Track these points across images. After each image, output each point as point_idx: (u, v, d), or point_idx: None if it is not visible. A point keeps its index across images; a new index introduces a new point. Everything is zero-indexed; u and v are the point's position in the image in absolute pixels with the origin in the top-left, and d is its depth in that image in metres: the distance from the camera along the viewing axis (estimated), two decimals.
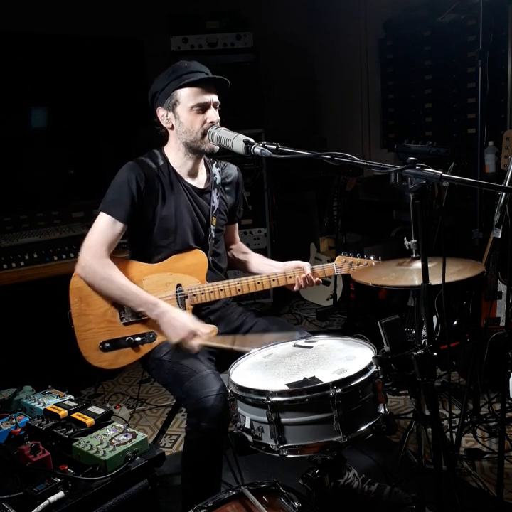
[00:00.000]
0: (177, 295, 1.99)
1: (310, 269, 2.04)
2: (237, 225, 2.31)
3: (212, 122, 1.93)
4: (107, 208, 1.93)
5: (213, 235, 2.08)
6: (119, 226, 1.93)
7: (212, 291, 2.00)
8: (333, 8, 4.50)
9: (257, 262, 2.22)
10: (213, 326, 2.03)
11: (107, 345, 1.96)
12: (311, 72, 5.06)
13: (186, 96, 1.93)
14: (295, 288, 2.05)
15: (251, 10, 4.25)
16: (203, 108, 1.93)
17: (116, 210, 1.92)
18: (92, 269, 1.90)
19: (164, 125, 2.01)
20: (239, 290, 2.01)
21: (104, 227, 1.92)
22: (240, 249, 2.32)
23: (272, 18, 4.59)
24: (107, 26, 3.95)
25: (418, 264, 1.47)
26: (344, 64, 4.69)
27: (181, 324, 1.88)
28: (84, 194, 3.38)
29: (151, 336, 1.98)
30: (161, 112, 2.00)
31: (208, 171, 2.14)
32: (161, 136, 2.06)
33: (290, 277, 2.03)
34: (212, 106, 1.95)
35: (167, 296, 1.98)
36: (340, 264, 2.06)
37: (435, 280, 1.42)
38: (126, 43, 4.12)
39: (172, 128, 2.00)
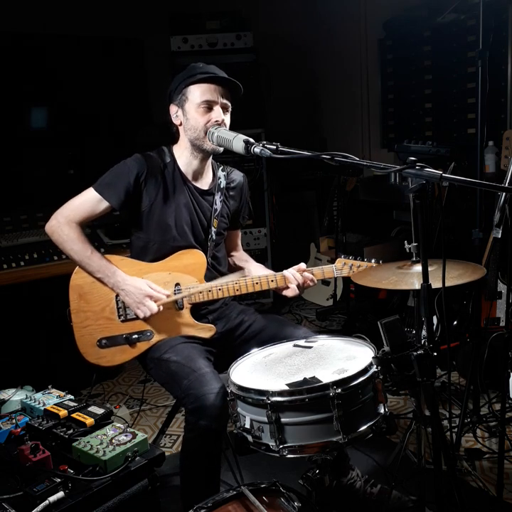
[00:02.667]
0: (175, 294, 2.00)
1: (305, 266, 2.03)
2: (239, 232, 2.32)
3: (216, 122, 1.93)
4: (98, 188, 1.97)
5: (214, 237, 2.08)
6: (103, 205, 1.96)
7: (210, 291, 2.00)
8: (333, 8, 4.50)
9: (256, 270, 2.21)
10: (211, 325, 2.04)
11: (104, 342, 1.98)
12: (311, 72, 5.06)
13: (195, 93, 1.95)
14: (290, 293, 2.03)
15: (251, 10, 4.25)
16: (209, 106, 1.94)
17: (107, 192, 1.95)
18: (59, 228, 1.95)
19: (174, 122, 2.03)
20: (237, 290, 2.01)
21: (87, 200, 1.97)
22: (242, 257, 2.32)
23: (272, 18, 4.59)
24: (107, 26, 3.95)
25: (418, 268, 1.47)
26: (344, 64, 4.69)
27: (137, 289, 1.93)
28: None
29: (148, 333, 1.99)
30: (173, 109, 2.02)
31: (214, 173, 2.14)
32: (173, 135, 2.07)
33: (287, 278, 2.02)
34: (220, 107, 1.95)
35: None
36: (340, 267, 2.05)
37: (435, 284, 1.41)
38: (126, 42, 4.13)
39: (181, 125, 2.02)
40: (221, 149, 1.96)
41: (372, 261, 2.03)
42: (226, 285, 2.00)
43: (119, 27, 4.01)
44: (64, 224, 1.95)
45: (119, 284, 1.95)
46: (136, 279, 1.97)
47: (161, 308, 1.95)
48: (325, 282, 4.40)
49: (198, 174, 2.08)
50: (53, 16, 3.73)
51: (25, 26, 3.61)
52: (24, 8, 3.62)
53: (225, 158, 2.19)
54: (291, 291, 2.04)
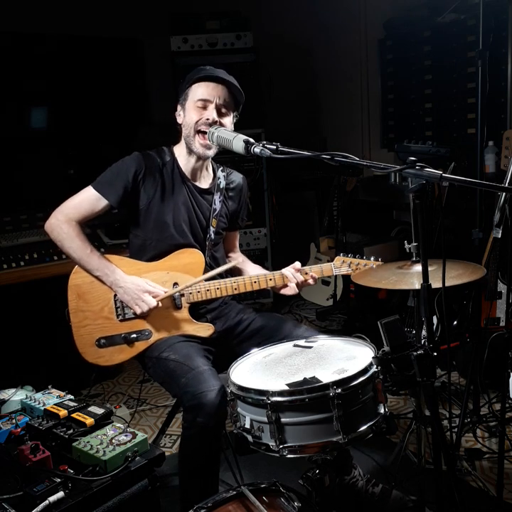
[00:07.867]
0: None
1: (299, 265, 2.04)
2: (238, 233, 2.33)
3: (207, 120, 1.94)
4: (97, 186, 1.98)
5: (212, 237, 2.09)
6: (102, 204, 1.97)
7: (208, 290, 2.00)
8: (333, 8, 4.50)
9: (254, 271, 2.22)
10: (210, 324, 2.04)
11: (103, 341, 1.99)
12: (311, 72, 5.06)
13: (193, 91, 1.98)
14: (289, 292, 2.04)
15: (251, 10, 4.25)
16: (205, 104, 1.95)
17: (106, 190, 1.97)
18: (59, 226, 1.96)
19: (178, 121, 2.05)
20: (235, 289, 2.01)
21: (86, 198, 1.99)
22: (238, 258, 2.32)
23: (272, 18, 4.59)
24: (107, 26, 3.95)
25: (418, 268, 1.47)
26: (344, 64, 4.69)
27: (135, 285, 1.94)
28: None
29: (147, 333, 1.99)
30: (178, 108, 2.05)
31: (214, 173, 2.15)
32: (175, 135, 2.08)
33: (286, 277, 2.03)
34: (215, 107, 1.95)
35: None
36: (339, 265, 2.06)
37: (435, 284, 1.41)
38: (126, 43, 4.12)
39: (181, 123, 2.04)
40: (210, 153, 1.97)
41: (372, 259, 2.03)
42: (224, 284, 2.01)
43: (119, 27, 4.00)
44: (63, 222, 1.96)
45: (118, 281, 1.96)
46: (135, 277, 1.98)
47: (160, 304, 1.95)
48: (325, 282, 4.40)
49: (196, 173, 2.09)
50: (53, 16, 3.72)
51: (26, 26, 3.61)
52: (25, 8, 3.62)
53: (225, 158, 2.20)
54: (290, 290, 2.04)
